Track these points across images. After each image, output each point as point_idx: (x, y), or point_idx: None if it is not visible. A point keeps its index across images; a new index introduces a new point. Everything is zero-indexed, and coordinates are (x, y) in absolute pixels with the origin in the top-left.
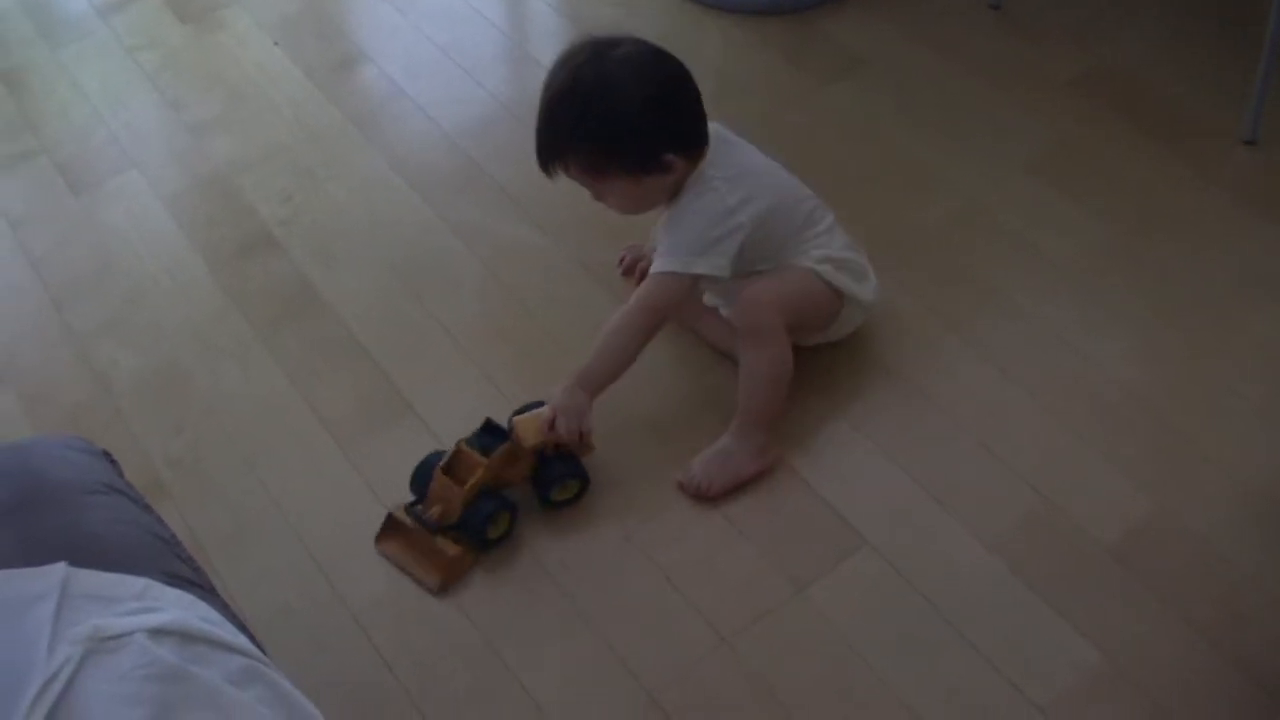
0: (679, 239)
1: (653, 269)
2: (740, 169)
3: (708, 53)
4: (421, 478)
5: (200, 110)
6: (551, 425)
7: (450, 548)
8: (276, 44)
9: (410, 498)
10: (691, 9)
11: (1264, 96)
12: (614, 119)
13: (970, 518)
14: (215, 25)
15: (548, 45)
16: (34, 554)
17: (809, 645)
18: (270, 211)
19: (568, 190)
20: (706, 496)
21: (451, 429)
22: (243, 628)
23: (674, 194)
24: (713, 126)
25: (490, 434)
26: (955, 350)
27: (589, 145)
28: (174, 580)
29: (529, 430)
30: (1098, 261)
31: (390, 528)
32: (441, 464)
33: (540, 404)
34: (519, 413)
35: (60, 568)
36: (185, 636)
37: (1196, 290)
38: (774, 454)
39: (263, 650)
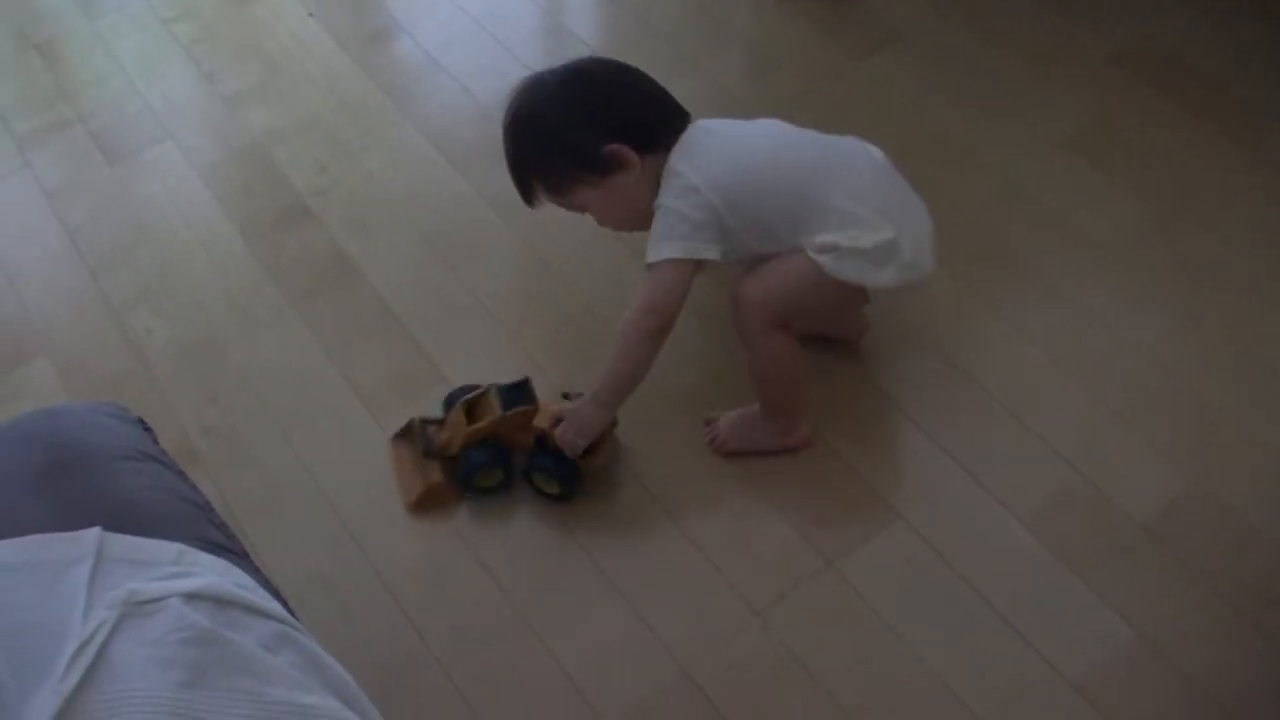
0: (655, 229)
1: (650, 258)
2: (712, 153)
3: (742, 26)
4: (449, 403)
5: (235, 82)
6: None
7: (434, 474)
8: (311, 15)
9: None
10: None
11: None
12: (541, 131)
13: (1004, 493)
14: None
15: (584, 17)
16: (69, 519)
17: (841, 619)
18: (305, 182)
19: None
20: (718, 449)
21: None
22: (275, 594)
23: (648, 190)
24: (694, 124)
25: (519, 393)
26: (991, 325)
27: (533, 166)
28: (208, 546)
29: (545, 413)
30: (1135, 239)
31: (404, 433)
32: (468, 397)
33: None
34: (566, 396)
35: (95, 532)
36: (219, 601)
37: (1234, 268)
38: (801, 436)
39: (295, 616)
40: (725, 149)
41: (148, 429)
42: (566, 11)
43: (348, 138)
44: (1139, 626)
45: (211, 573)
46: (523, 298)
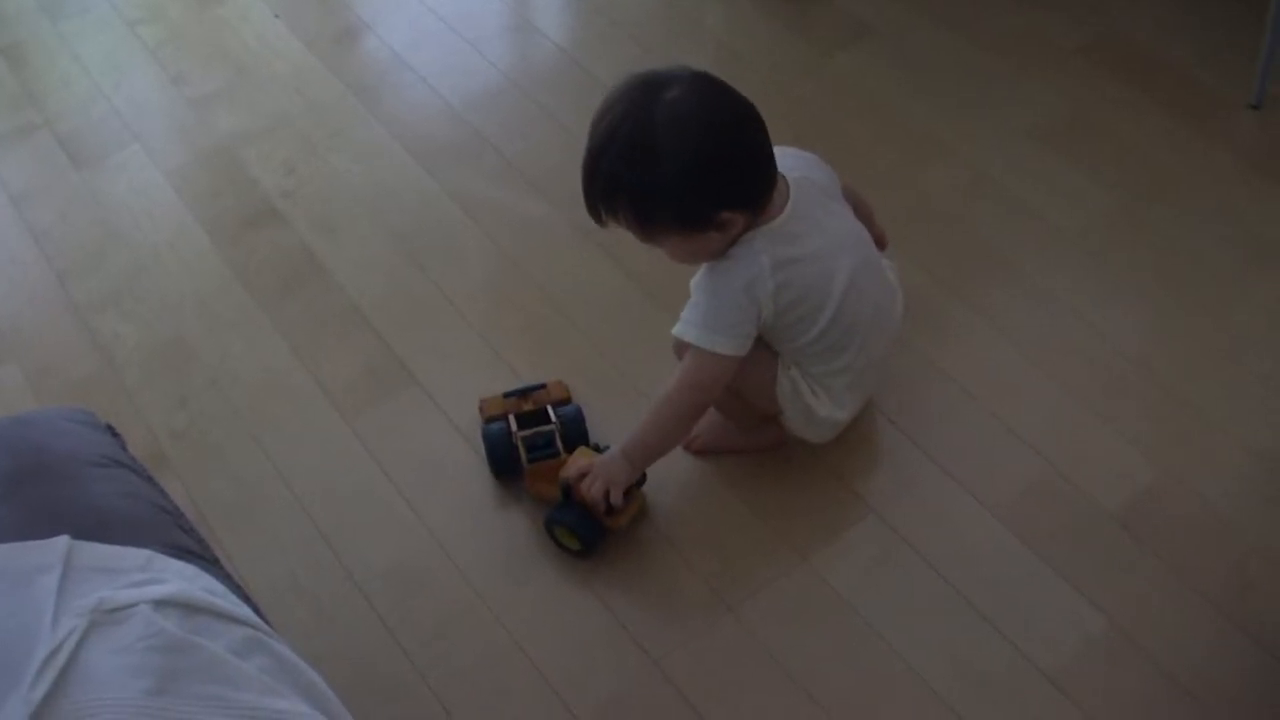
0: (705, 304)
1: (677, 330)
2: (801, 252)
3: (710, 23)
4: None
5: (202, 84)
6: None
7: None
8: (277, 16)
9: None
10: None
11: (1270, 62)
12: (654, 180)
13: (976, 485)
14: None
15: (552, 15)
16: (37, 526)
17: (815, 613)
18: (273, 183)
19: (571, 160)
20: (690, 447)
21: (455, 400)
22: (246, 599)
23: (731, 244)
24: (797, 176)
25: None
26: (962, 318)
27: (630, 204)
28: (177, 552)
29: (572, 464)
30: (1104, 229)
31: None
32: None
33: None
34: (596, 448)
35: (63, 540)
36: (188, 608)
37: (1203, 258)
38: (772, 434)
39: (267, 621)
40: (808, 267)
41: (116, 435)
42: (534, 9)
43: (315, 138)
44: (1111, 616)
45: (180, 579)
46: (492, 296)
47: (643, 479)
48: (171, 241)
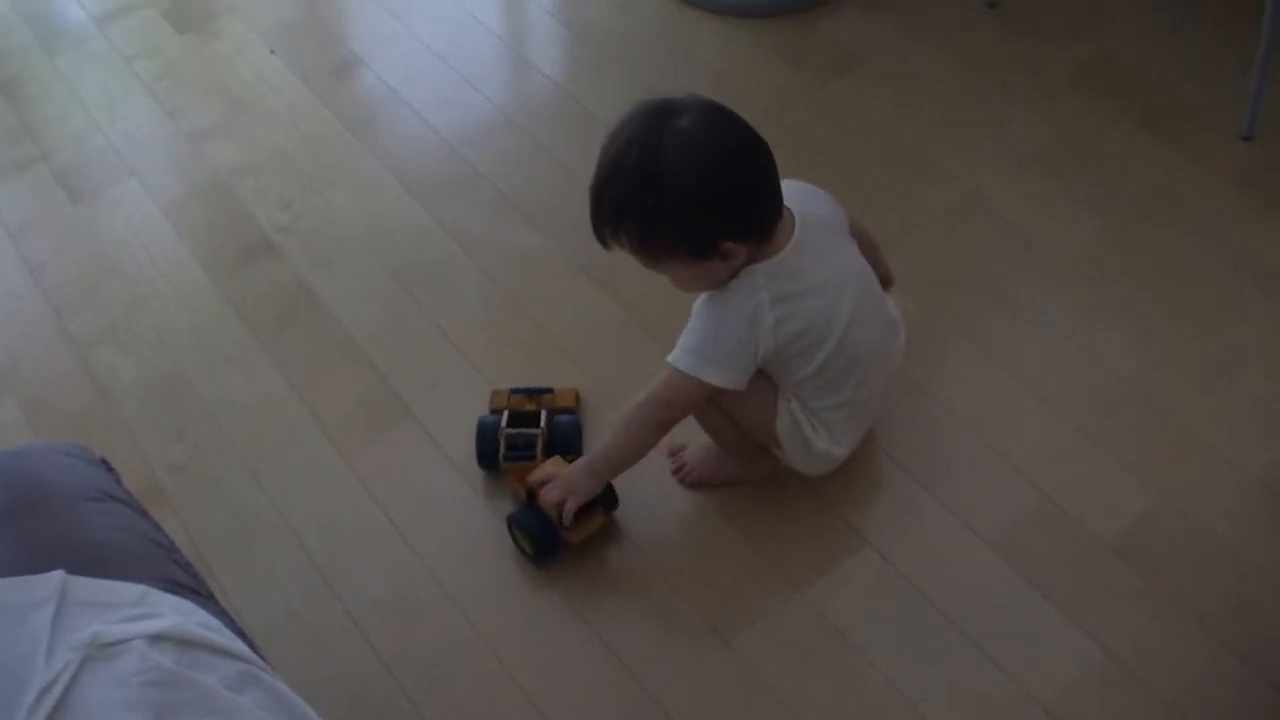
0: (700, 334)
1: (670, 356)
2: (802, 287)
3: (705, 56)
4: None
5: (198, 118)
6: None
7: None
8: (273, 52)
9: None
10: (689, 12)
11: (1261, 91)
12: (660, 206)
13: (970, 514)
14: (212, 34)
15: (545, 51)
16: (32, 561)
17: (811, 645)
18: (269, 217)
19: (566, 194)
20: (684, 480)
21: (450, 433)
22: (241, 633)
23: (733, 275)
24: (803, 210)
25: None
26: (954, 343)
27: (635, 230)
28: (172, 587)
29: (540, 470)
30: (1097, 254)
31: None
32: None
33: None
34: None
35: (58, 575)
36: (183, 642)
37: (1195, 282)
38: (767, 466)
39: (262, 655)
40: (810, 302)
41: (111, 469)
42: (529, 44)
43: (310, 172)
44: (1107, 646)
45: (175, 614)
46: (487, 329)
47: (614, 503)
48: (168, 275)
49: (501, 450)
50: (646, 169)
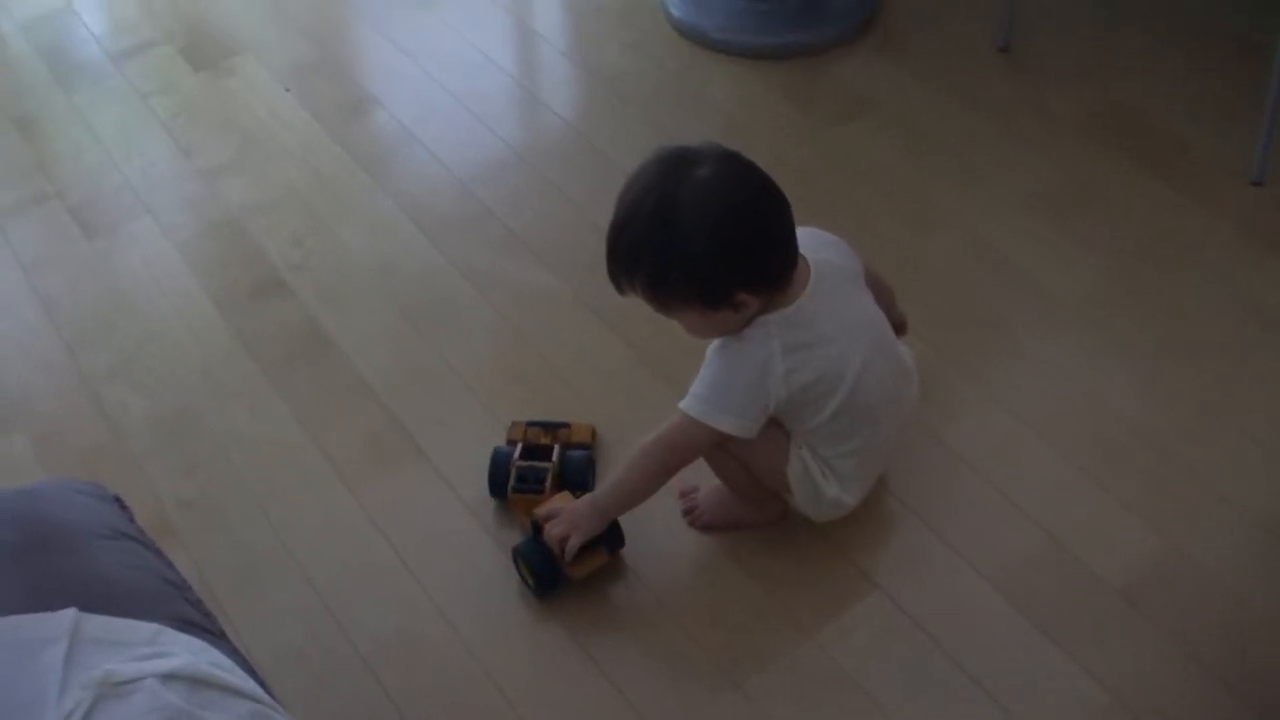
0: (711, 381)
1: (682, 402)
2: (815, 336)
3: (716, 97)
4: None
5: (212, 155)
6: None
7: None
8: (288, 90)
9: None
10: (699, 53)
11: (1270, 137)
12: (675, 255)
13: (978, 558)
14: (227, 72)
15: (558, 91)
16: (44, 599)
17: (820, 689)
18: (281, 255)
19: (577, 234)
20: (695, 523)
21: (459, 471)
22: (252, 672)
23: (746, 324)
24: (818, 259)
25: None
26: (961, 388)
27: (649, 278)
28: (184, 625)
29: (547, 505)
30: (1104, 299)
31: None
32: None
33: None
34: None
35: (70, 613)
36: (195, 682)
37: (1202, 327)
38: (777, 509)
39: (271, 693)
40: (822, 351)
41: (124, 507)
42: (541, 84)
43: (323, 210)
44: (1114, 691)
45: (187, 652)
46: (496, 368)
47: (619, 542)
48: (180, 312)
49: (511, 481)
50: (663, 218)
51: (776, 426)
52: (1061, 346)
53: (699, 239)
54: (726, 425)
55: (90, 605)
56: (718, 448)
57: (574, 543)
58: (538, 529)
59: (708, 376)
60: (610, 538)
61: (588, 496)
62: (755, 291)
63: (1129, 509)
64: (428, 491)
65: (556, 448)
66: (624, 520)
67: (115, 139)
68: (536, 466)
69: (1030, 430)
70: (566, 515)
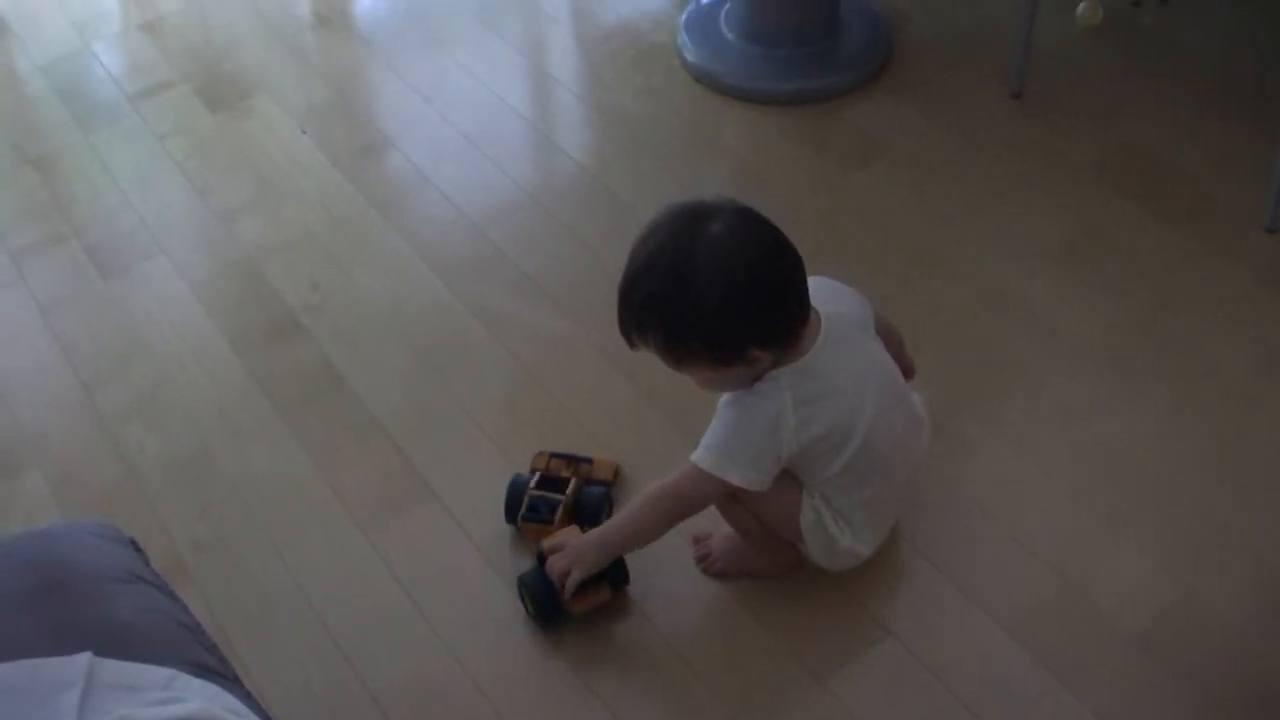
0: (723, 434)
1: (694, 454)
2: (826, 388)
3: (730, 142)
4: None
5: (228, 197)
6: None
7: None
8: (304, 132)
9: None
10: (715, 98)
11: None
12: (688, 312)
13: (992, 604)
14: (244, 113)
15: (573, 134)
16: (61, 642)
17: None
18: (296, 297)
19: (590, 277)
20: (708, 570)
21: (472, 513)
22: (266, 717)
23: (757, 378)
24: (829, 310)
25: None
26: (977, 433)
27: (662, 332)
28: (199, 670)
29: (555, 537)
30: (1120, 345)
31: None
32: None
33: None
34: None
35: (86, 657)
36: None
37: (1219, 373)
38: (791, 556)
39: None
40: (833, 402)
41: (139, 550)
42: (556, 127)
43: (338, 252)
44: None
45: (202, 698)
46: (509, 411)
47: (624, 580)
48: (195, 352)
49: (522, 509)
50: (678, 274)
51: (790, 477)
52: (1076, 391)
53: (714, 295)
54: (736, 478)
55: (106, 649)
56: (730, 498)
57: (574, 578)
58: (543, 560)
59: (719, 429)
60: (615, 575)
61: (595, 532)
62: (768, 347)
63: (1144, 554)
64: (440, 532)
65: (574, 481)
66: (637, 565)
67: (132, 179)
68: (550, 497)
69: (1045, 475)
70: (571, 550)
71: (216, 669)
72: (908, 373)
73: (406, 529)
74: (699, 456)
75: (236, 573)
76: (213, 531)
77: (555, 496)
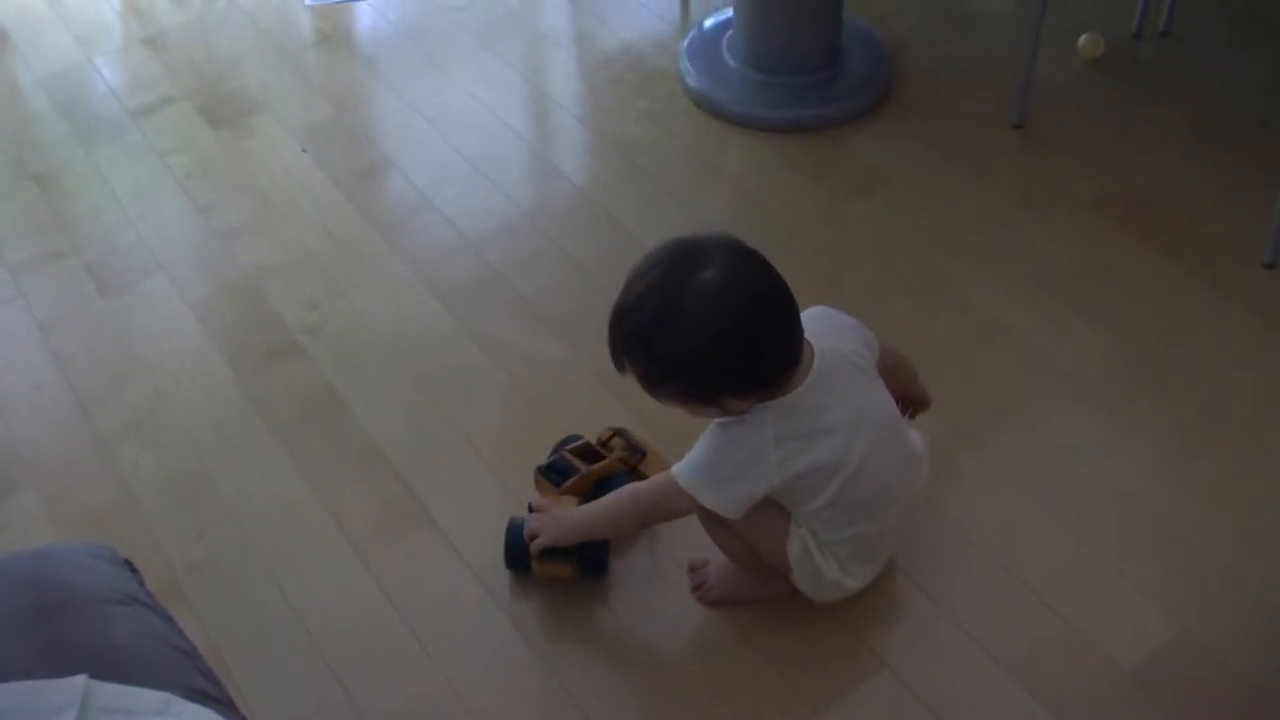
0: (703, 456)
1: (676, 469)
2: (813, 426)
3: (731, 169)
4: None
5: (228, 216)
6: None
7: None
8: (305, 151)
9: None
10: (716, 125)
11: None
12: (669, 357)
13: (989, 640)
14: (245, 131)
15: (574, 158)
16: (56, 664)
17: None
18: (295, 318)
19: (590, 301)
20: (704, 598)
21: (470, 540)
22: None
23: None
24: (825, 347)
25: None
26: (975, 468)
27: (642, 366)
28: (195, 695)
29: (545, 499)
30: (1119, 381)
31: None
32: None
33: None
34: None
35: (81, 680)
36: None
37: (1218, 410)
38: (787, 585)
39: None
40: (820, 441)
41: (135, 571)
42: (557, 152)
43: (338, 274)
44: None
45: None
46: (508, 438)
47: (596, 568)
48: (193, 372)
49: (545, 462)
50: (662, 318)
51: (777, 506)
52: (1075, 427)
53: (694, 343)
54: (709, 501)
55: (100, 672)
56: (718, 523)
57: (539, 543)
58: (530, 510)
59: (702, 448)
60: (589, 560)
61: (575, 510)
62: (745, 396)
63: (1142, 592)
64: (438, 560)
65: (610, 463)
66: (634, 593)
67: (132, 196)
68: (574, 465)
69: (1043, 511)
70: (546, 517)
71: (212, 693)
72: (922, 403)
73: (404, 555)
74: (678, 470)
75: (232, 595)
76: (209, 553)
77: (579, 465)
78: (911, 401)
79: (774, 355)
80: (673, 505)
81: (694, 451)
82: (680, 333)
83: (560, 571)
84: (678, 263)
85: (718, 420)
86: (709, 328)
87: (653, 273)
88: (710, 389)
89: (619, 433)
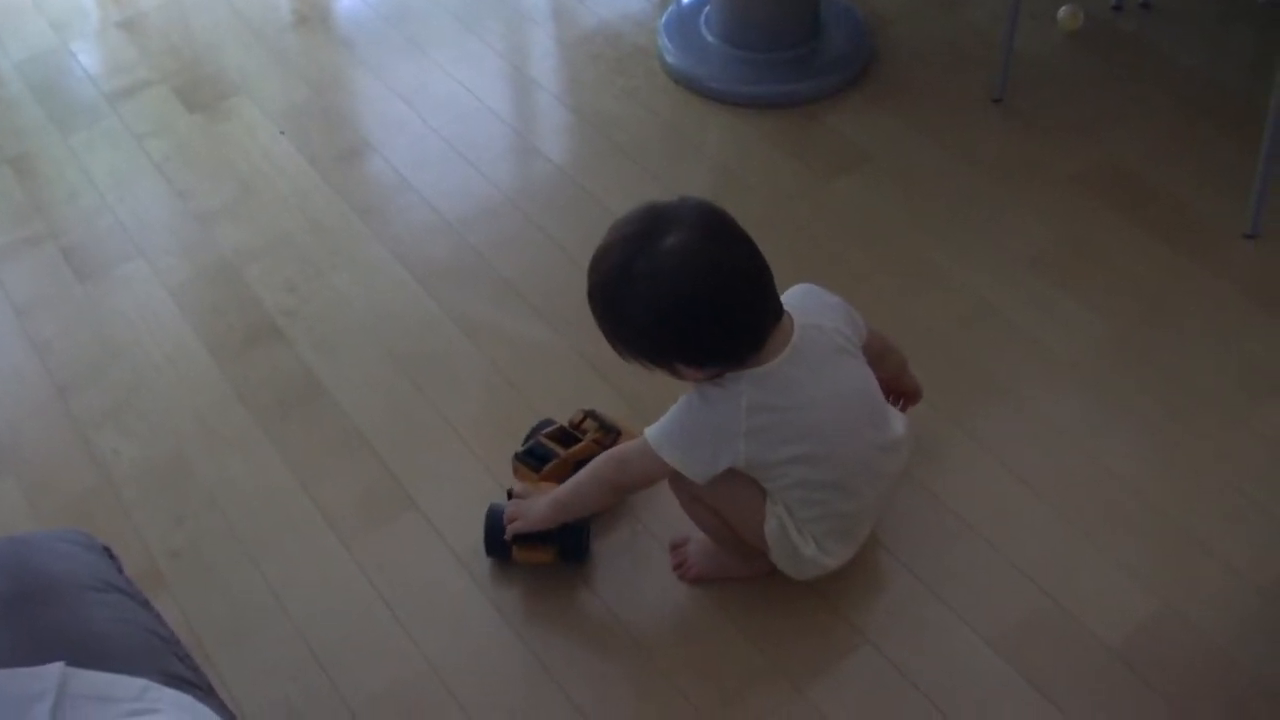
0: (675, 418)
1: (649, 430)
2: (787, 401)
3: (711, 146)
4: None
5: (206, 199)
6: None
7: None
8: (283, 133)
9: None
10: (695, 101)
11: (1265, 191)
12: (619, 319)
13: (973, 616)
14: (223, 114)
15: (553, 139)
16: (33, 651)
17: None
18: (275, 301)
19: (571, 284)
20: (685, 576)
21: (453, 525)
22: None
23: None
24: (806, 323)
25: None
26: (960, 446)
27: (601, 323)
28: (173, 680)
29: (523, 484)
30: (1103, 357)
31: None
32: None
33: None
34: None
35: (58, 667)
36: None
37: (1202, 386)
38: (764, 564)
39: None
40: (793, 415)
41: (113, 557)
42: (536, 132)
43: (317, 257)
44: None
45: (175, 709)
46: (490, 421)
47: (576, 552)
48: (172, 357)
49: (522, 448)
50: (616, 281)
51: (753, 483)
52: (1059, 405)
53: (642, 312)
54: (676, 463)
55: (78, 659)
56: (697, 501)
57: (517, 527)
58: (510, 496)
59: (674, 412)
60: (570, 545)
61: (550, 493)
62: (697, 366)
63: (1127, 569)
64: (421, 545)
65: (587, 444)
66: (616, 573)
67: (109, 181)
68: (551, 448)
69: (1028, 489)
70: (525, 502)
71: (191, 680)
72: (913, 396)
73: (386, 540)
74: (650, 431)
75: (213, 581)
76: (189, 540)
77: (556, 450)
78: (901, 393)
79: (727, 329)
80: (642, 466)
81: (666, 416)
82: (630, 301)
83: (541, 557)
84: (642, 228)
85: (696, 385)
86: (657, 299)
87: (617, 234)
88: (661, 357)
89: (590, 414)
